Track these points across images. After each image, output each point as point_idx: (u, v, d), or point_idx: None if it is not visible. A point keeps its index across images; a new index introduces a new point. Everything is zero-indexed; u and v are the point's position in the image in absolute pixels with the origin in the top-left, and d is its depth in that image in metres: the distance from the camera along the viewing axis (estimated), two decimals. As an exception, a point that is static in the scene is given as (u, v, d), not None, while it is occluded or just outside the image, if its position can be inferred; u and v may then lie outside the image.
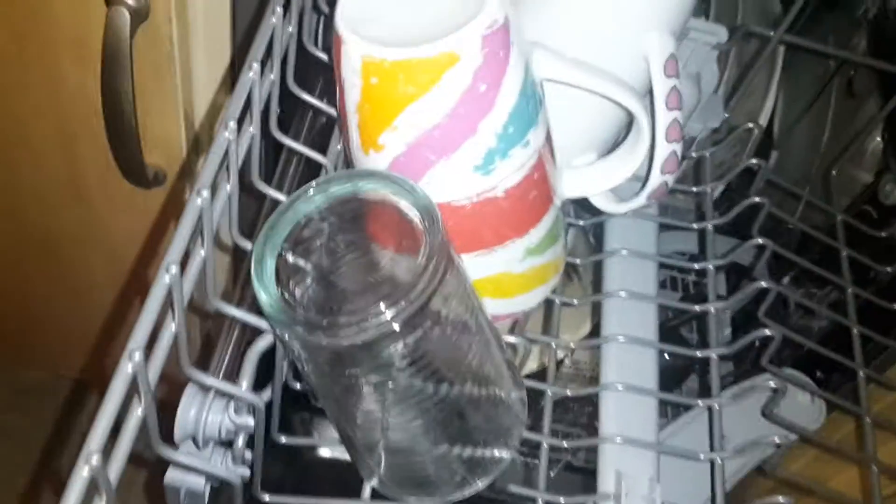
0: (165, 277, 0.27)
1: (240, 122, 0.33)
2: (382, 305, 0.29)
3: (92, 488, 0.26)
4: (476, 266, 0.40)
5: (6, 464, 1.09)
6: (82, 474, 0.24)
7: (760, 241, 0.48)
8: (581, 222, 0.53)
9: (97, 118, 0.61)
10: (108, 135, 0.60)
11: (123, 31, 0.54)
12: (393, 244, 0.33)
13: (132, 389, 0.27)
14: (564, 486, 0.58)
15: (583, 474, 0.68)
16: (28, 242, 0.86)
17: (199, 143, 0.67)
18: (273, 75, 0.38)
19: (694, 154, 0.56)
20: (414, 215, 0.32)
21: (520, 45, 0.36)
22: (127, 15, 0.54)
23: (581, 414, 0.73)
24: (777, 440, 0.40)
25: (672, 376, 0.66)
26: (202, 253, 0.30)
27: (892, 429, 0.51)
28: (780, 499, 0.38)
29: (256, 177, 0.36)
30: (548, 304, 0.53)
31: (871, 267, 0.59)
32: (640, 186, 0.44)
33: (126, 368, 0.26)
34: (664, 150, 0.41)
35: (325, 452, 0.72)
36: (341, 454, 0.72)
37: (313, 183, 0.33)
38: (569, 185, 0.44)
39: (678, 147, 0.42)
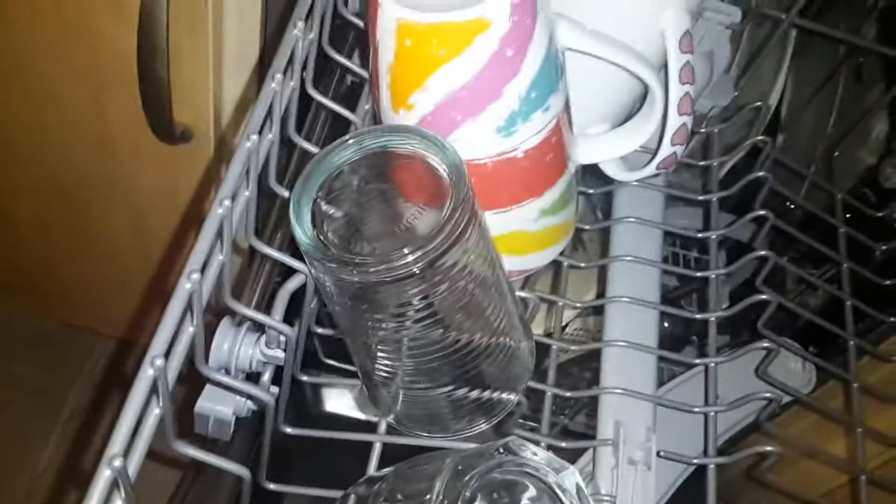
0: (186, 285, 0.29)
1: (283, 73, 0.35)
2: (406, 250, 0.32)
3: (113, 487, 0.27)
4: (493, 224, 0.43)
5: (21, 413, 1.13)
6: (105, 475, 0.25)
7: (762, 212, 0.50)
8: (591, 191, 0.55)
9: (130, 74, 0.64)
10: (141, 91, 0.63)
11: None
12: (420, 198, 0.36)
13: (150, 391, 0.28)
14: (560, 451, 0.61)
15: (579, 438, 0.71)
16: (54, 196, 0.88)
17: (225, 104, 0.70)
18: (312, 34, 0.41)
19: (703, 130, 0.58)
20: (442, 170, 0.35)
21: (545, 14, 0.38)
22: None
23: (580, 379, 0.76)
24: (769, 394, 0.43)
25: (670, 345, 0.69)
26: (220, 258, 0.32)
27: (879, 395, 0.54)
28: (769, 448, 0.41)
29: (292, 130, 0.39)
30: (556, 268, 0.56)
31: (867, 247, 0.62)
32: (651, 157, 0.46)
33: (147, 374, 0.27)
34: (675, 121, 0.44)
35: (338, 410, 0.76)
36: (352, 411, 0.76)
37: (348, 136, 0.36)
38: (583, 152, 0.46)
39: (689, 120, 0.44)
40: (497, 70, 0.37)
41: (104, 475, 0.26)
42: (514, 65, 0.37)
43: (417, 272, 0.33)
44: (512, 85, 0.37)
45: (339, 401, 0.77)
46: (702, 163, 0.57)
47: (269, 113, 0.36)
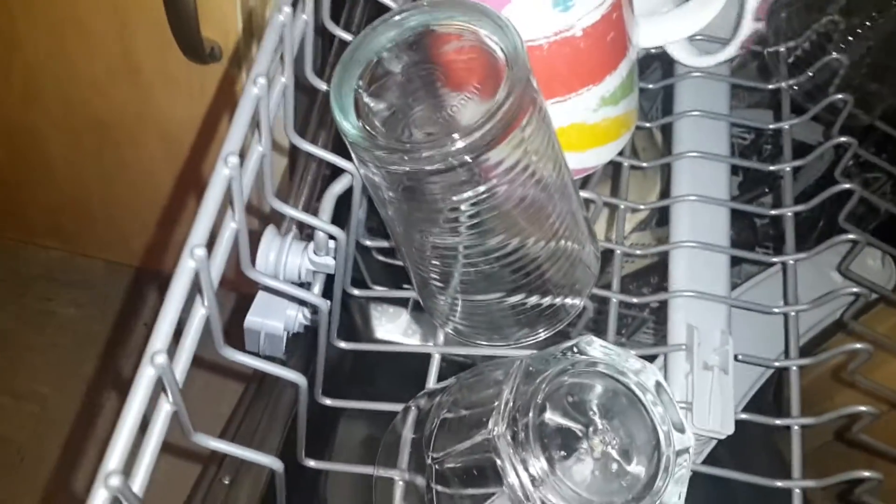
0: (224, 170, 0.26)
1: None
2: (457, 135, 0.28)
3: (158, 388, 0.25)
4: (552, 114, 0.40)
5: (65, 353, 1.13)
6: (148, 374, 0.24)
7: (840, 96, 0.46)
8: (651, 85, 0.51)
9: (153, -6, 0.61)
10: (167, 7, 0.60)
11: None
12: (472, 82, 0.33)
13: (193, 289, 0.26)
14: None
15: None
16: (84, 130, 0.86)
17: (253, 19, 0.67)
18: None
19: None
20: (496, 49, 0.31)
21: None
22: None
23: (638, 295, 0.73)
24: (855, 289, 0.39)
25: (747, 242, 0.65)
26: (259, 148, 0.29)
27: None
28: (858, 345, 0.37)
29: (326, 16, 0.35)
30: (615, 170, 0.53)
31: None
32: (730, 37, 0.42)
33: (187, 265, 0.25)
34: None
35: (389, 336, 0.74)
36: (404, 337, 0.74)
37: (388, 14, 0.32)
38: (646, 33, 0.42)
39: None
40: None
41: (147, 374, 0.24)
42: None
43: (470, 160, 0.29)
44: (567, -48, 0.34)
45: (391, 327, 0.75)
46: (769, 49, 0.52)
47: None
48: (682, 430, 0.30)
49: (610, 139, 0.43)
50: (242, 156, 0.27)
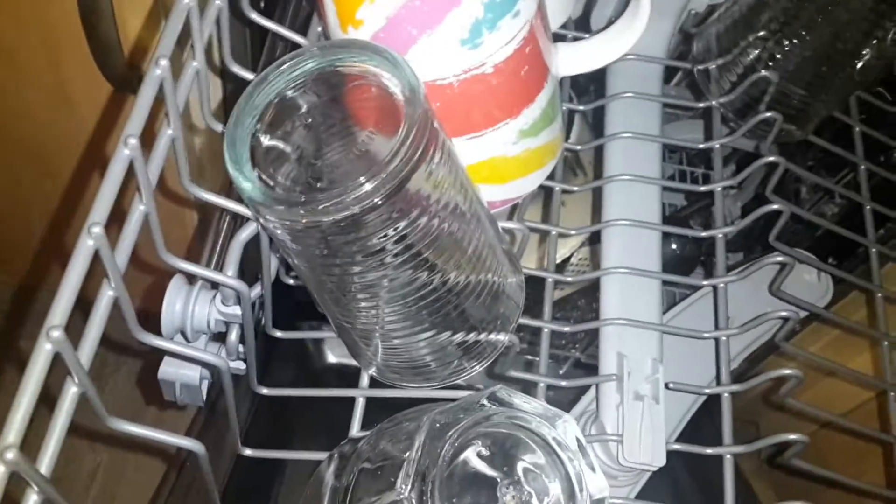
0: (124, 150, 0.25)
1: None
2: (362, 179, 0.28)
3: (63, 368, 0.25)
4: (468, 150, 0.39)
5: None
6: (44, 348, 0.23)
7: (769, 114, 0.46)
8: (581, 107, 0.51)
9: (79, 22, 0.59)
10: (89, 41, 0.58)
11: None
12: (375, 122, 0.32)
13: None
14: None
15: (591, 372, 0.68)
16: (22, 162, 0.84)
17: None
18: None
19: (693, 31, 0.53)
20: (395, 87, 0.30)
21: None
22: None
23: (588, 311, 0.72)
24: (784, 313, 0.39)
25: (681, 268, 0.65)
26: (169, 131, 0.28)
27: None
28: (788, 371, 0.37)
29: (228, 55, 0.34)
30: (547, 195, 0.52)
31: (885, 147, 0.58)
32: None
33: (86, 243, 0.24)
34: None
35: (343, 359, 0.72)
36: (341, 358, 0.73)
37: (286, 57, 0.31)
38: (565, 62, 0.42)
39: None
40: (452, -27, 0.32)
41: (43, 348, 0.23)
42: (472, -36, 0.32)
43: (379, 203, 0.29)
44: (471, -10, 0.33)
45: (341, 351, 0.74)
46: (699, 66, 0.52)
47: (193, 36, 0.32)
48: (598, 482, 0.29)
49: (533, 169, 0.43)
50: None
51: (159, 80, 0.27)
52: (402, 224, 0.30)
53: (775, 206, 0.43)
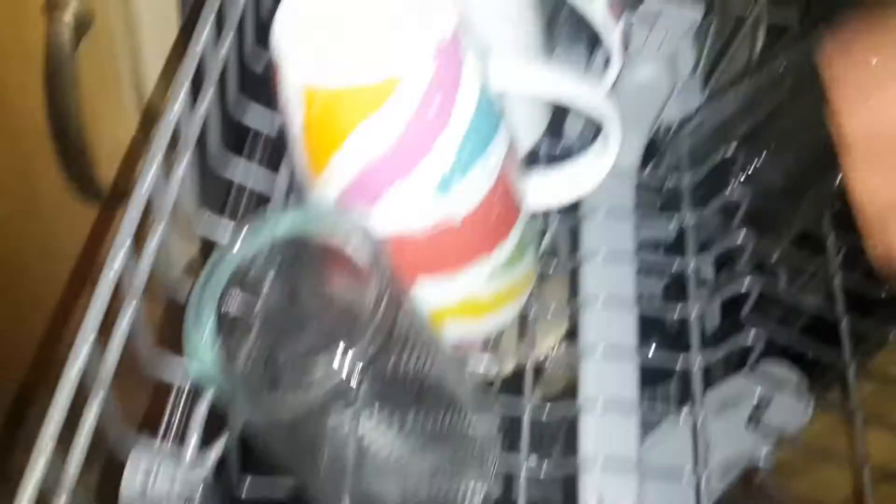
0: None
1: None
2: (332, 363, 0.27)
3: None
4: (439, 291, 0.38)
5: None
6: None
7: (740, 240, 0.46)
8: (553, 225, 0.51)
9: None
10: (58, 152, 0.57)
11: (66, 46, 0.51)
12: (341, 287, 0.31)
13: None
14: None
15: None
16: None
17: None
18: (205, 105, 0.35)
19: (665, 143, 0.54)
20: (359, 255, 0.30)
21: (471, 51, 0.33)
22: (68, 29, 0.51)
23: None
24: (766, 449, 0.38)
25: (654, 376, 0.64)
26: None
27: (881, 423, 0.49)
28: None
29: (192, 213, 0.34)
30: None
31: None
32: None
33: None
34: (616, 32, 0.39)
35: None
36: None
37: (246, 227, 0.31)
38: (535, 196, 0.41)
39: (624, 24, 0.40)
40: (422, 129, 0.32)
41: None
42: (441, 121, 0.32)
43: (353, 386, 0.28)
44: (441, 141, 0.32)
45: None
46: (670, 184, 0.52)
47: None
48: None
49: (508, 302, 0.42)
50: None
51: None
52: (367, 390, 0.29)
53: (751, 332, 0.43)
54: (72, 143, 0.57)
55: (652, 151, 0.55)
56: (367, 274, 0.29)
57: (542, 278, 0.51)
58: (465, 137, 0.33)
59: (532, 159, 0.50)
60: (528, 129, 0.46)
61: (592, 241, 0.49)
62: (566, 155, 0.53)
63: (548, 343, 0.63)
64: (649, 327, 0.58)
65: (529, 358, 0.45)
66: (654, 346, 0.48)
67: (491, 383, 0.49)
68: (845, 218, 0.58)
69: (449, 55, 0.31)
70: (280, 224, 0.30)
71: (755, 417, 0.43)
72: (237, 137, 0.42)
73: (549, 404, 0.44)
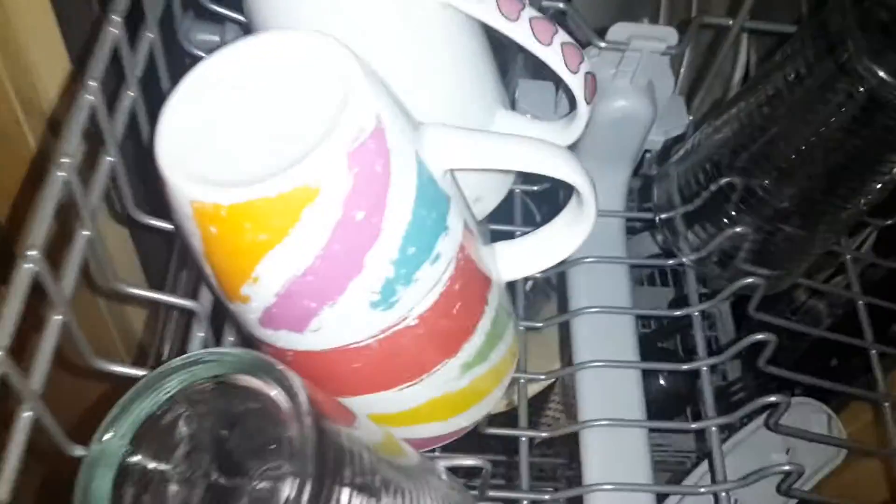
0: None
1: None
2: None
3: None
4: (404, 399, 0.33)
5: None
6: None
7: (750, 280, 0.41)
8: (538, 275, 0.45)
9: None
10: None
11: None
12: (266, 434, 0.26)
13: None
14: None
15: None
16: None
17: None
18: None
19: (654, 171, 0.48)
20: (284, 404, 0.24)
21: (403, 139, 0.27)
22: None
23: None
24: (787, 467, 0.37)
25: (667, 405, 0.59)
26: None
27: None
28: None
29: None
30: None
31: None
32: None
33: (24, 269, 0.25)
34: (577, 81, 0.34)
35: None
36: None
37: (155, 372, 0.25)
38: (506, 268, 0.36)
39: (587, 67, 0.34)
40: (348, 241, 0.26)
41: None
42: (371, 227, 0.26)
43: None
44: (375, 252, 0.27)
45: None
46: (661, 215, 0.46)
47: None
48: None
49: (488, 391, 0.37)
50: None
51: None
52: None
53: (760, 337, 0.39)
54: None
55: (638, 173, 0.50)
56: (289, 417, 0.24)
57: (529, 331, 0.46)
58: (403, 243, 0.27)
59: (507, 202, 0.44)
60: (494, 188, 0.40)
61: (583, 292, 0.44)
62: (546, 192, 0.48)
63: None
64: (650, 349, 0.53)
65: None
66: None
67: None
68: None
69: (370, 151, 0.26)
70: (182, 372, 0.25)
71: (773, 420, 0.38)
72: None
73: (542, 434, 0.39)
